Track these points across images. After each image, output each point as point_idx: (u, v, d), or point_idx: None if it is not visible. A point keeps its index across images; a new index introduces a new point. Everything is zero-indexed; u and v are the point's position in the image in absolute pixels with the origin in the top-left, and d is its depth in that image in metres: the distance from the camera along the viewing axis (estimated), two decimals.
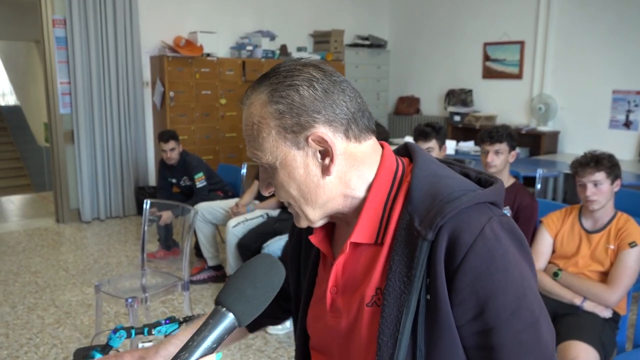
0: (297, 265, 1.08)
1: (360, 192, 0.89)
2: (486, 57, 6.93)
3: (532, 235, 2.60)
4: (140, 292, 3.01)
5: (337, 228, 0.99)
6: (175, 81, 5.94)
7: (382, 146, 0.93)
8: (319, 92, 0.84)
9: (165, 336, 1.49)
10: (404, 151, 0.98)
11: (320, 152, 0.85)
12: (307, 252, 1.05)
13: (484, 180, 0.92)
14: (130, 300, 2.76)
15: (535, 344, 0.82)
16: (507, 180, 2.76)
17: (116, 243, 5.15)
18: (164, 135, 4.41)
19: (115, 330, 1.43)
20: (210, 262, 4.16)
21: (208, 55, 6.13)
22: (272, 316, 1.20)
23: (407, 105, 7.85)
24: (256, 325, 1.19)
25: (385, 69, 8.00)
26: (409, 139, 5.99)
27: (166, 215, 4.00)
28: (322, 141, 0.84)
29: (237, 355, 3.12)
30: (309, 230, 0.99)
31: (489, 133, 2.69)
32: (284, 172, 0.86)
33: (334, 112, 0.84)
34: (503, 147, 2.67)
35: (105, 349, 1.37)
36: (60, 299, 3.86)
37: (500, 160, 2.67)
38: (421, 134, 3.09)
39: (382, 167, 0.89)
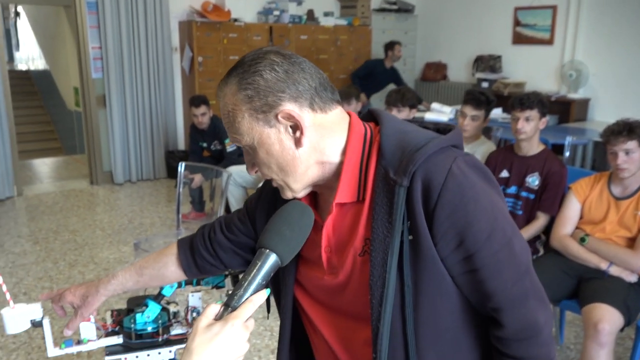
0: None
1: (335, 158, 0.98)
2: (516, 22, 6.80)
3: (560, 201, 2.64)
4: None
5: (320, 195, 1.07)
6: (204, 46, 5.98)
7: (349, 115, 1.02)
8: (281, 73, 0.92)
9: (213, 287, 1.59)
10: (368, 117, 1.08)
11: (290, 127, 0.94)
12: None
13: (442, 129, 1.03)
14: None
15: (511, 259, 0.93)
16: (537, 147, 2.77)
17: (148, 204, 5.31)
18: (196, 100, 4.49)
19: None
20: None
21: (235, 20, 6.15)
22: (228, 267, 1.28)
23: (434, 72, 7.78)
24: (204, 274, 1.30)
25: (413, 35, 7.90)
26: (435, 105, 5.98)
27: (198, 178, 4.12)
28: (289, 117, 0.93)
29: None
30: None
31: (519, 99, 2.70)
32: (262, 150, 0.95)
33: (297, 90, 0.93)
34: (534, 113, 2.68)
35: (158, 297, 1.48)
36: (98, 256, 4.04)
37: (530, 127, 2.68)
38: (474, 100, 3.07)
39: (352, 132, 0.99)
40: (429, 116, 5.73)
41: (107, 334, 1.46)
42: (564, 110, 6.13)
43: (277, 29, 6.37)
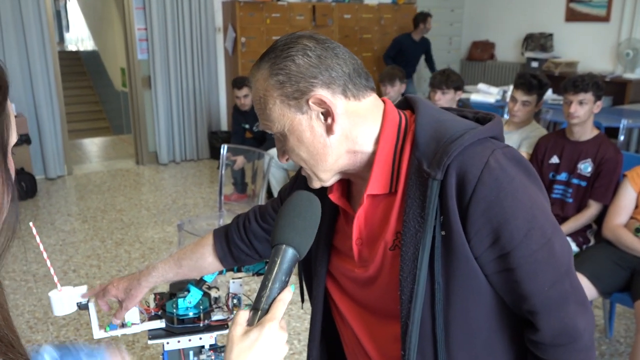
0: None
1: (368, 147, 0.95)
2: None
3: (614, 189, 2.52)
4: None
5: (353, 184, 1.04)
6: (247, 27, 5.97)
7: (384, 102, 0.98)
8: (313, 59, 0.90)
9: (254, 274, 1.59)
10: (404, 104, 1.03)
11: (322, 113, 0.92)
12: None
13: (482, 118, 0.98)
14: None
15: (550, 260, 0.88)
16: (591, 132, 2.64)
17: (192, 185, 5.40)
18: (238, 82, 4.50)
19: None
20: None
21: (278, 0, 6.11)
22: (261, 257, 1.30)
23: (481, 51, 7.55)
24: (234, 261, 1.30)
25: (459, 12, 7.67)
26: (482, 86, 5.81)
27: (240, 160, 4.14)
28: (321, 103, 0.90)
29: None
30: (320, 189, 1.04)
31: (573, 82, 2.57)
32: (293, 137, 0.93)
33: (329, 76, 0.90)
34: (588, 97, 2.54)
35: (200, 283, 1.49)
36: (144, 236, 4.14)
37: (584, 111, 2.55)
38: (525, 85, 2.91)
39: (386, 120, 0.95)
40: (474, 97, 5.57)
41: (150, 318, 1.48)
42: (619, 92, 5.86)
43: (320, 8, 6.30)
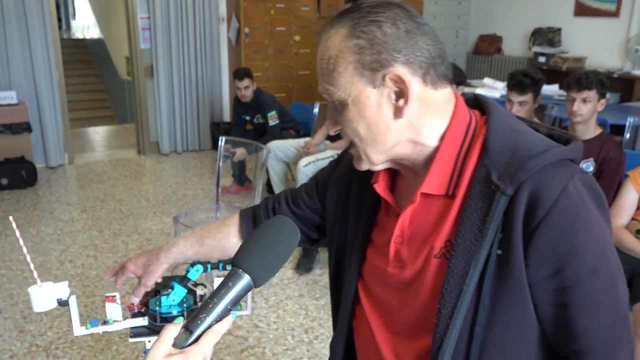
0: (344, 207, 1.08)
1: (431, 141, 0.88)
2: None
3: (616, 190, 2.46)
4: None
5: (402, 177, 0.97)
6: (251, 17, 5.92)
7: (456, 97, 0.91)
8: (402, 31, 0.82)
9: None
10: (473, 103, 0.95)
11: (395, 92, 0.84)
12: (359, 196, 1.04)
13: (557, 136, 0.90)
14: None
15: (611, 303, 0.82)
16: (594, 131, 2.59)
17: (192, 176, 5.37)
18: (239, 73, 4.45)
19: (193, 264, 1.51)
20: None
21: None
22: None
23: (488, 44, 7.46)
24: None
25: (467, 5, 7.57)
26: (487, 80, 5.73)
27: (240, 152, 4.10)
28: (399, 81, 0.82)
29: (304, 290, 3.24)
30: (364, 174, 0.98)
31: (577, 79, 2.51)
32: (355, 109, 0.85)
33: (414, 54, 0.82)
34: (592, 94, 2.49)
35: (184, 280, 1.46)
36: (142, 227, 4.12)
37: (587, 109, 2.49)
38: (517, 86, 2.82)
39: (455, 117, 0.88)
40: (479, 92, 5.50)
41: (134, 315, 1.45)
42: (626, 88, 5.77)
43: None
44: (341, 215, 1.09)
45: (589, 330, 0.81)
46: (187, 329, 0.75)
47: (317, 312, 3.01)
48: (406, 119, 0.85)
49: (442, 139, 0.87)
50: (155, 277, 1.31)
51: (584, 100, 2.49)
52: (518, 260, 0.79)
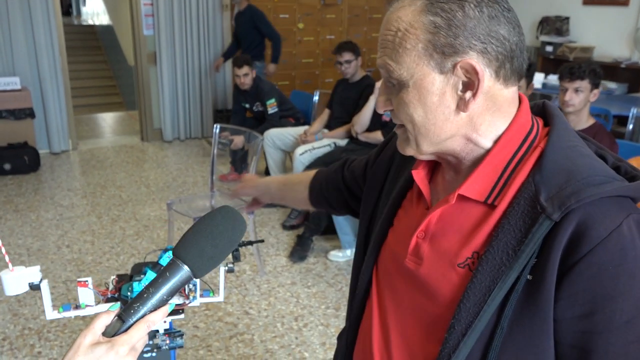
0: (380, 187, 1.04)
1: (485, 142, 0.80)
2: None
3: None
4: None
5: (441, 170, 0.90)
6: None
7: (520, 100, 0.84)
8: (485, 15, 0.74)
9: None
10: (539, 110, 0.87)
11: (463, 83, 0.76)
12: (395, 178, 1.00)
13: (624, 170, 0.81)
14: (196, 219, 2.90)
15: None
16: (587, 121, 2.56)
17: (194, 163, 5.39)
18: (238, 61, 4.44)
19: (165, 250, 1.52)
20: None
21: None
22: (333, 207, 1.27)
23: None
24: (318, 204, 1.31)
25: None
26: None
27: (238, 140, 4.10)
28: (471, 71, 0.75)
29: (297, 278, 3.25)
30: (407, 159, 0.95)
31: (569, 69, 2.47)
32: (415, 93, 0.78)
33: (493, 43, 0.75)
34: (584, 84, 2.45)
35: (156, 266, 1.46)
36: (140, 213, 4.15)
37: (579, 100, 2.46)
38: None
39: (516, 121, 0.80)
40: None
41: (107, 300, 1.47)
42: (634, 79, 5.67)
43: None
44: (376, 194, 1.05)
45: None
46: (120, 317, 0.73)
47: (307, 300, 3.02)
48: (467, 114, 0.78)
49: (497, 141, 0.80)
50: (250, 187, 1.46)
51: (576, 90, 2.45)
52: (548, 291, 0.73)
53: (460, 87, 0.76)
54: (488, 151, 0.80)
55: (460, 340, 0.77)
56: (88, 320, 2.75)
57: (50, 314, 1.43)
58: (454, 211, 0.83)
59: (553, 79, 5.56)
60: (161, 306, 0.75)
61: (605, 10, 6.21)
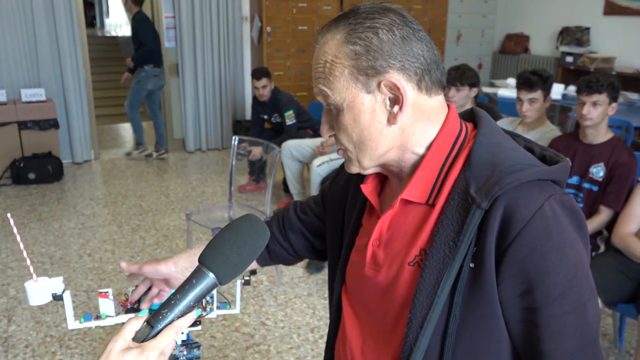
0: (342, 211, 1.10)
1: (419, 149, 0.88)
2: None
3: (627, 196, 2.41)
4: (227, 223, 3.21)
5: (388, 182, 0.98)
6: (273, 16, 5.96)
7: (449, 107, 0.91)
8: (398, 37, 0.82)
9: None
10: (469, 116, 0.95)
11: (389, 99, 0.84)
12: (353, 200, 1.06)
13: (549, 158, 0.89)
14: (215, 229, 2.95)
15: (580, 325, 0.81)
16: (605, 135, 2.54)
17: (213, 173, 5.45)
18: (257, 73, 4.50)
19: None
20: (296, 198, 4.30)
21: None
22: (295, 253, 1.24)
23: (515, 44, 7.34)
24: (275, 259, 1.25)
25: (493, 4, 7.46)
26: (511, 81, 5.65)
27: (256, 151, 4.15)
28: (394, 87, 0.83)
29: (313, 289, 3.26)
30: (360, 179, 1.01)
31: (587, 82, 2.46)
32: (350, 115, 0.86)
33: (409, 60, 0.83)
34: (602, 98, 2.43)
35: None
36: (160, 223, 4.21)
37: (597, 113, 2.44)
38: (526, 83, 2.82)
39: (445, 127, 0.88)
40: (502, 93, 5.42)
41: (127, 311, 1.50)
42: None
43: None
44: (339, 219, 1.10)
45: (554, 353, 0.81)
46: (149, 323, 0.77)
47: (324, 312, 3.03)
48: (399, 126, 0.86)
49: (429, 147, 0.87)
50: (155, 269, 1.24)
51: (594, 104, 2.44)
52: (490, 275, 0.79)
53: (388, 102, 0.85)
54: (423, 157, 0.88)
55: (419, 332, 0.83)
56: (108, 329, 2.81)
57: (72, 324, 1.47)
58: (400, 215, 0.91)
59: (573, 90, 5.51)
60: (188, 312, 0.79)
61: (626, 21, 6.16)
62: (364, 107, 0.85)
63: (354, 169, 0.92)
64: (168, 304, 0.78)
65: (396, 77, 0.82)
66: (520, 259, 0.77)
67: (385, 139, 0.86)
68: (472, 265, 0.81)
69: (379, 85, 0.83)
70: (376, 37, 0.82)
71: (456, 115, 0.91)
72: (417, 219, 0.88)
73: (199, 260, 0.81)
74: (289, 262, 1.30)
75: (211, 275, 0.79)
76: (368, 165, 0.90)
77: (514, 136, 0.94)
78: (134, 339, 0.76)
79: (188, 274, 1.17)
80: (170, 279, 1.23)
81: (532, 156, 0.86)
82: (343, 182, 1.11)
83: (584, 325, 0.81)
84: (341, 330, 1.05)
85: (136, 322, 0.77)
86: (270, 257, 1.25)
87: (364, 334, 0.98)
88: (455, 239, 0.82)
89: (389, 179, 0.98)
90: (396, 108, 0.84)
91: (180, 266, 1.21)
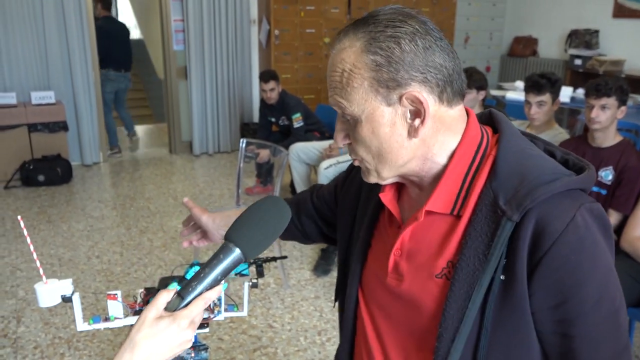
0: (353, 213, 1.09)
1: (441, 159, 0.86)
2: None
3: (636, 199, 2.40)
4: None
5: (407, 190, 0.96)
6: (281, 19, 5.98)
7: (468, 113, 0.89)
8: (420, 48, 0.79)
9: (236, 274, 1.59)
10: (487, 119, 0.93)
11: (410, 112, 0.82)
12: (365, 202, 1.05)
13: (572, 162, 0.88)
14: (222, 231, 2.96)
15: (613, 332, 0.81)
16: (614, 138, 2.52)
17: (220, 176, 5.47)
18: (265, 75, 4.51)
19: (191, 265, 1.56)
20: None
21: None
22: (307, 236, 1.29)
23: (523, 47, 7.32)
24: (289, 236, 1.31)
25: (502, 7, 7.45)
26: (520, 84, 5.63)
27: (264, 153, 4.17)
28: (415, 101, 0.80)
29: (320, 292, 3.27)
30: (374, 184, 0.99)
31: (595, 85, 2.45)
32: (368, 127, 0.83)
33: (431, 72, 0.80)
34: (611, 101, 2.42)
35: (182, 280, 1.50)
36: (167, 225, 4.23)
37: (606, 117, 2.43)
38: (534, 86, 2.83)
39: (466, 135, 0.86)
40: (510, 95, 5.40)
41: (135, 313, 1.51)
42: None
43: (355, 0, 6.23)
44: (350, 218, 1.10)
45: None
46: (179, 295, 0.83)
47: (331, 314, 3.03)
48: (420, 138, 0.84)
49: (451, 157, 0.86)
50: (199, 218, 1.32)
51: (603, 107, 2.43)
52: (521, 287, 0.79)
53: (409, 115, 0.82)
54: (445, 167, 0.86)
55: (450, 346, 0.83)
56: (116, 331, 2.82)
57: (81, 325, 1.48)
58: (424, 226, 0.88)
59: (582, 92, 5.49)
60: (215, 285, 0.83)
61: (635, 23, 6.12)
62: (383, 120, 0.82)
63: (373, 179, 0.91)
64: (197, 277, 0.83)
65: (418, 89, 0.80)
66: (553, 270, 0.77)
67: (406, 151, 0.84)
68: (502, 277, 0.80)
69: (400, 98, 0.80)
70: (398, 48, 0.79)
71: (476, 122, 0.89)
72: (443, 230, 0.87)
73: (225, 236, 0.85)
74: (303, 242, 1.35)
75: (237, 250, 0.84)
76: (387, 176, 0.89)
77: (532, 138, 0.93)
78: (166, 309, 0.81)
79: (222, 232, 1.27)
80: (208, 231, 1.32)
81: (557, 163, 0.85)
82: (357, 182, 1.10)
83: (617, 331, 0.81)
84: (361, 335, 1.04)
85: (167, 294, 0.81)
86: (284, 233, 1.27)
87: (387, 344, 0.97)
88: (485, 252, 0.80)
89: (407, 187, 0.96)
90: (417, 121, 0.82)
91: (217, 223, 1.30)
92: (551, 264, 0.77)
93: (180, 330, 0.79)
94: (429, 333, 0.86)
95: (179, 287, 1.45)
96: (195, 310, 0.80)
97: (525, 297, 0.79)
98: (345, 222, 1.11)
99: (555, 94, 2.82)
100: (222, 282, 0.85)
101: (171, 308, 0.81)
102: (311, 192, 1.27)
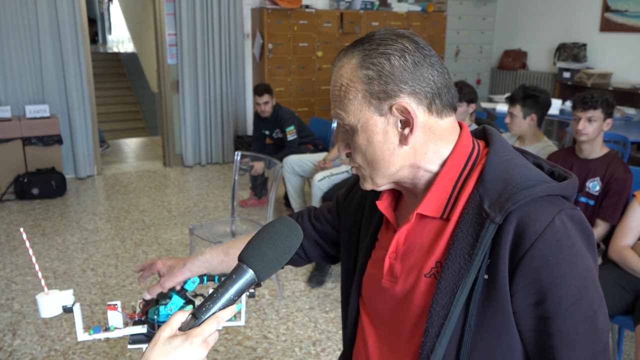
0: (358, 225, 1.14)
1: (433, 167, 0.93)
2: (606, 8, 6.34)
3: (623, 209, 2.45)
4: (229, 237, 3.25)
5: (403, 197, 1.03)
6: (274, 33, 6.05)
7: (461, 126, 0.96)
8: (409, 63, 0.87)
9: None
10: (480, 134, 1.01)
11: (401, 121, 0.89)
12: (370, 215, 1.11)
13: (557, 174, 0.94)
14: (217, 243, 2.99)
15: (590, 334, 0.85)
16: (600, 150, 2.59)
17: (214, 188, 5.50)
18: (259, 89, 4.57)
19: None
20: None
21: (307, 7, 6.16)
22: (308, 258, 1.31)
23: (513, 60, 7.43)
24: (290, 261, 1.31)
25: (491, 20, 7.57)
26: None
27: (258, 166, 4.20)
28: (404, 111, 0.88)
29: (315, 303, 3.29)
30: (375, 195, 1.06)
31: (582, 98, 2.52)
32: (364, 135, 0.91)
33: (420, 85, 0.88)
34: (597, 114, 2.49)
35: (181, 291, 1.53)
36: (162, 237, 4.25)
37: (592, 129, 2.50)
38: (511, 99, 2.96)
39: (458, 145, 0.93)
40: (500, 108, 5.49)
41: (134, 323, 1.54)
42: None
43: (347, 15, 6.32)
44: (355, 232, 1.15)
45: None
46: (194, 315, 0.85)
47: (326, 325, 3.06)
48: (411, 146, 0.91)
49: (443, 164, 0.92)
50: (175, 281, 1.37)
51: (589, 120, 2.50)
52: (503, 286, 0.84)
53: (399, 124, 0.90)
54: (437, 174, 0.93)
55: (435, 341, 0.88)
56: (112, 343, 2.83)
57: (82, 335, 1.50)
58: (416, 229, 0.95)
59: (569, 105, 5.58)
60: (229, 305, 0.86)
61: (622, 37, 6.25)
62: (376, 129, 0.90)
63: (368, 186, 0.98)
64: (211, 298, 0.85)
65: (407, 100, 0.88)
66: (532, 270, 0.82)
67: (397, 159, 0.92)
68: (486, 276, 0.86)
69: (390, 108, 0.88)
70: (388, 63, 0.87)
71: (469, 134, 0.96)
72: (433, 232, 0.93)
73: (239, 258, 0.88)
74: (298, 265, 1.37)
75: (250, 271, 0.87)
76: (381, 182, 0.96)
77: (523, 153, 0.99)
78: (180, 329, 0.83)
79: (173, 271, 1.31)
80: (168, 272, 1.38)
81: (542, 172, 0.91)
82: (359, 197, 1.16)
83: (594, 333, 0.86)
84: (361, 341, 1.09)
85: (182, 314, 0.84)
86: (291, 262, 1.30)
87: (381, 344, 1.03)
88: (470, 252, 0.86)
89: (403, 195, 1.03)
90: (407, 130, 0.89)
91: (196, 272, 1.34)
92: (530, 264, 0.82)
93: (193, 349, 0.80)
94: (417, 330, 0.92)
95: (183, 301, 1.49)
96: (208, 329, 0.82)
97: (507, 296, 0.84)
98: (350, 234, 1.16)
99: (532, 109, 2.94)
100: (236, 302, 0.87)
101: (185, 328, 0.83)
102: (308, 215, 1.30)
